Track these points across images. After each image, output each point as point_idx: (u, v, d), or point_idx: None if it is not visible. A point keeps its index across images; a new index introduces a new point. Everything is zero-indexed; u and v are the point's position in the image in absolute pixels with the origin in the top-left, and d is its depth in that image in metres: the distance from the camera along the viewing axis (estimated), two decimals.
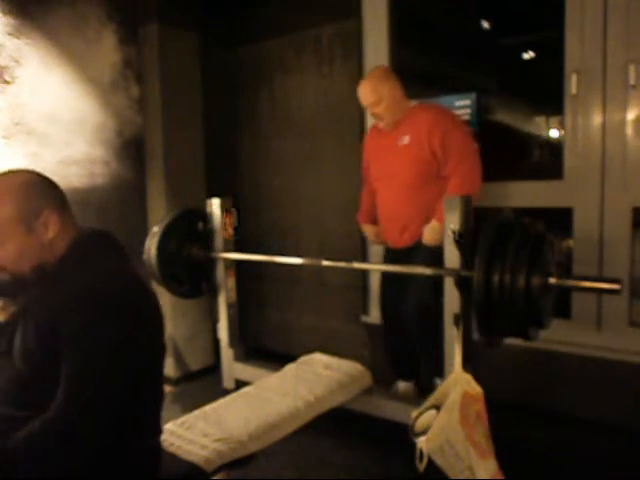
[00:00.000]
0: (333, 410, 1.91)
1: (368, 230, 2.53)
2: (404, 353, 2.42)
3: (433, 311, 2.22)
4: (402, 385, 2.38)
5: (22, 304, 1.10)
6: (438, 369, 2.22)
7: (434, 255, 2.16)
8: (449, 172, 2.18)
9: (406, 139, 2.26)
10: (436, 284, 2.19)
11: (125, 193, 2.94)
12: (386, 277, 2.48)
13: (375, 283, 2.81)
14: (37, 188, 1.07)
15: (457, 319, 1.68)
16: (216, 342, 2.76)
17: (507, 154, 2.82)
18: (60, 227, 1.07)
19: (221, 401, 1.83)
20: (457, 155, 2.16)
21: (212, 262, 2.47)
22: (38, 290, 1.07)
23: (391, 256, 2.42)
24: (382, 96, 2.23)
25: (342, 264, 2.24)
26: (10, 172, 1.09)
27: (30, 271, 1.05)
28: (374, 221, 2.49)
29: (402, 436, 1.60)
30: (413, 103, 2.32)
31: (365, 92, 2.28)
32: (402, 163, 2.26)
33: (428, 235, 2.18)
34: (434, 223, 2.16)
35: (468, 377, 1.56)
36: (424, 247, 2.21)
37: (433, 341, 2.22)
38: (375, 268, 2.28)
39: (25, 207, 1.03)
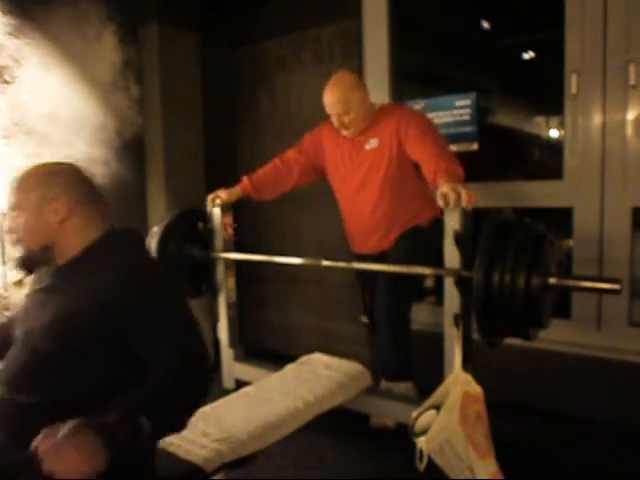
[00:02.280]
0: (333, 410, 1.91)
1: (231, 193, 2.33)
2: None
3: (403, 313, 2.21)
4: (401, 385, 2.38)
5: (44, 284, 1.22)
6: (394, 370, 2.20)
7: (411, 248, 2.16)
8: (416, 147, 2.01)
9: (374, 142, 2.15)
10: (408, 284, 2.18)
11: (125, 193, 2.93)
12: (365, 280, 2.41)
13: None
14: (61, 178, 1.20)
15: (457, 319, 1.68)
16: (216, 342, 2.76)
17: (507, 154, 2.82)
18: (70, 215, 1.19)
19: (221, 401, 1.83)
20: (422, 130, 2.03)
21: (212, 262, 2.47)
22: (68, 272, 1.19)
23: (363, 261, 2.32)
24: (351, 106, 2.11)
25: (342, 264, 2.24)
26: (51, 163, 1.26)
27: (38, 249, 1.19)
28: (253, 193, 2.36)
29: (402, 436, 1.60)
30: (378, 105, 2.24)
31: (332, 101, 2.14)
32: (375, 168, 2.15)
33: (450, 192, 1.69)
34: (447, 185, 1.72)
35: (468, 377, 1.56)
36: (398, 245, 2.18)
37: (404, 341, 2.21)
38: (375, 268, 2.27)
39: (41, 191, 1.18)
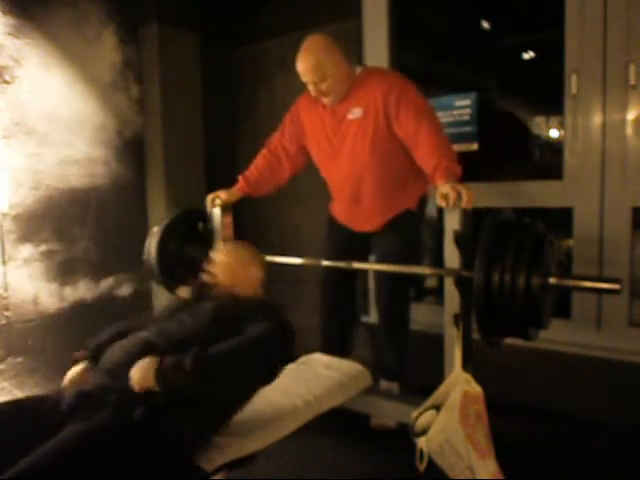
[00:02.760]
0: (333, 410, 1.91)
1: (230, 194, 2.26)
2: (341, 331, 2.44)
3: (402, 313, 2.20)
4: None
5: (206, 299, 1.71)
6: (394, 370, 2.21)
7: (410, 233, 2.13)
8: (409, 131, 1.91)
9: (357, 111, 1.98)
10: (407, 278, 2.17)
11: (125, 193, 2.94)
12: (333, 267, 2.22)
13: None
14: (261, 258, 1.92)
15: (457, 319, 1.67)
16: None
17: (507, 154, 2.82)
18: (253, 278, 1.82)
19: None
20: (416, 111, 1.90)
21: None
22: (231, 299, 1.70)
23: (349, 239, 2.22)
24: (327, 73, 1.93)
25: (342, 264, 2.24)
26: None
27: (225, 286, 1.74)
28: (252, 192, 2.30)
29: (402, 436, 1.60)
30: (358, 70, 2.06)
31: (306, 68, 1.95)
32: (360, 140, 2.00)
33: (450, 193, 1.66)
34: (447, 184, 1.69)
35: (468, 377, 1.56)
36: (396, 229, 2.10)
37: (402, 339, 2.20)
38: (375, 268, 2.27)
39: (250, 256, 1.87)
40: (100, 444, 1.21)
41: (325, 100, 2.04)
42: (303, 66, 1.97)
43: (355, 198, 2.13)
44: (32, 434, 1.23)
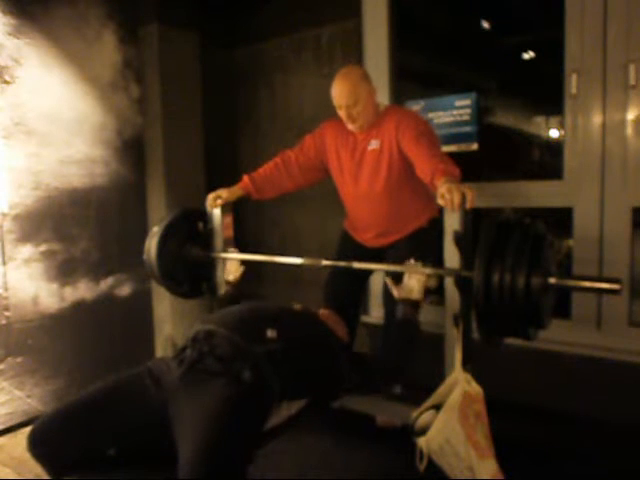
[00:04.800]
0: (333, 410, 1.91)
1: (231, 192, 2.28)
2: None
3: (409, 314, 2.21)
4: None
5: None
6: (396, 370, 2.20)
7: (422, 243, 2.16)
8: (411, 149, 2.01)
9: (375, 143, 2.14)
10: None
11: (125, 193, 2.94)
12: (341, 272, 2.33)
13: (375, 283, 2.82)
14: None
15: (457, 319, 1.67)
16: None
17: (507, 154, 2.82)
18: None
19: None
20: (417, 134, 2.01)
21: (212, 262, 2.47)
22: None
23: (361, 250, 2.31)
24: (359, 98, 2.08)
25: (342, 264, 2.23)
26: None
27: None
28: (253, 191, 2.32)
29: (403, 436, 1.60)
30: (382, 107, 2.23)
31: (342, 92, 2.09)
32: (375, 172, 2.15)
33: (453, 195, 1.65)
34: (447, 184, 1.68)
35: (468, 377, 1.56)
36: (409, 240, 2.20)
37: (409, 340, 2.20)
38: (375, 268, 2.26)
39: None
40: (233, 411, 1.38)
41: (351, 126, 2.16)
42: (339, 89, 2.10)
43: (370, 222, 2.27)
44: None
